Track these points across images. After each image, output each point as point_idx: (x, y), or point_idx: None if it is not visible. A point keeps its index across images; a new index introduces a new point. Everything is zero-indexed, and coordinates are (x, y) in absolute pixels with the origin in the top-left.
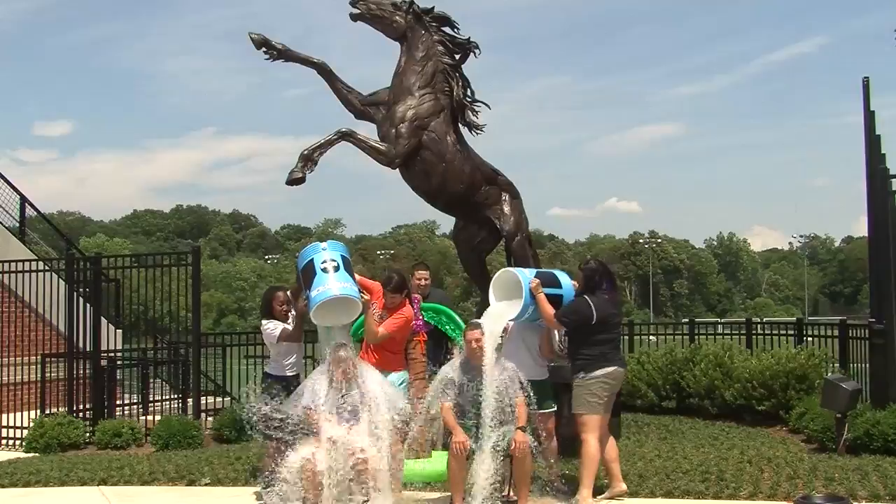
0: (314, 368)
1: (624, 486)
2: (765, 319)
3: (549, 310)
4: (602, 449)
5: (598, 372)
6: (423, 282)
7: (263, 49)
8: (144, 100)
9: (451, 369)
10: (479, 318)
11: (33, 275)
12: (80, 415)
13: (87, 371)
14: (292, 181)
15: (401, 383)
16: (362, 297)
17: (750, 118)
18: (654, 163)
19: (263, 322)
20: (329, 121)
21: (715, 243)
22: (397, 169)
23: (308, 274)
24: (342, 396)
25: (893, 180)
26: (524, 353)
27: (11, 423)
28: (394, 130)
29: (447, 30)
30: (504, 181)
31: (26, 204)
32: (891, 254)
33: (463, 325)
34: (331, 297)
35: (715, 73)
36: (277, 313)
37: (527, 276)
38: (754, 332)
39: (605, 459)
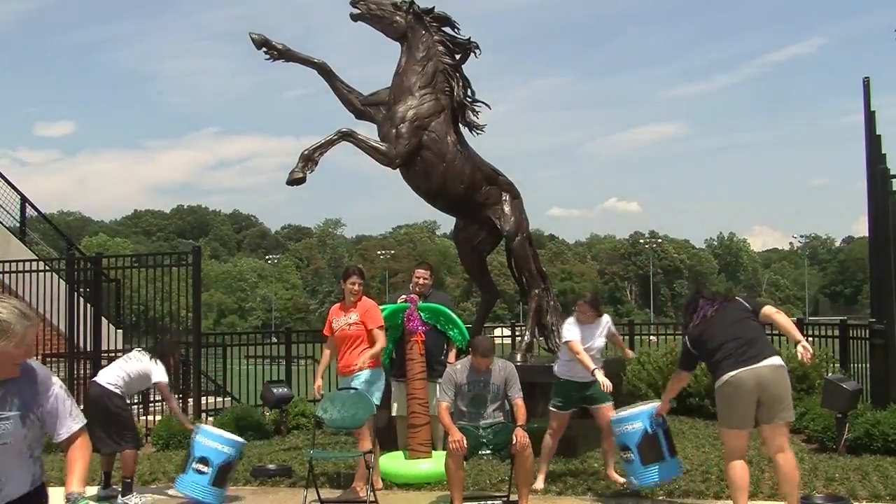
0: (314, 369)
1: None
2: None
3: (673, 388)
4: (782, 464)
5: (718, 383)
6: (421, 280)
7: (264, 49)
8: (145, 100)
9: (453, 371)
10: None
11: (34, 275)
12: None
13: (88, 371)
14: (293, 181)
15: (372, 382)
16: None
17: (750, 118)
18: (654, 163)
19: (157, 363)
20: (329, 121)
21: (715, 243)
22: (397, 169)
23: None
24: None
25: (893, 180)
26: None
27: None
28: (394, 130)
29: (448, 30)
30: (504, 181)
31: (27, 204)
32: (891, 254)
33: (462, 325)
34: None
35: (715, 73)
36: (168, 365)
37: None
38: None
39: (780, 480)
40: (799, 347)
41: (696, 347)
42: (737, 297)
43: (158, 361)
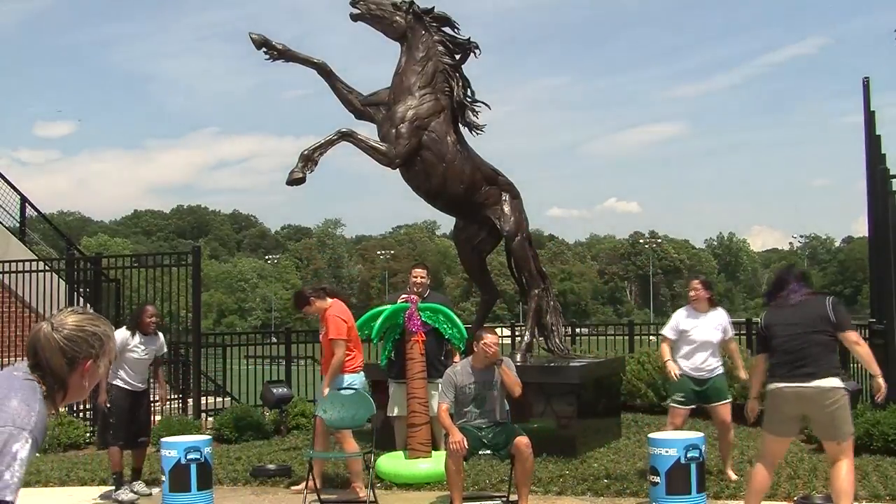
0: (314, 369)
1: None
2: None
3: (756, 379)
4: (832, 476)
5: (767, 387)
6: (419, 280)
7: (264, 49)
8: (145, 100)
9: (453, 373)
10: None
11: (33, 275)
12: (81, 415)
13: None
14: (293, 181)
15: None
16: None
17: (750, 118)
18: (654, 163)
19: (123, 329)
20: (329, 121)
21: (715, 243)
22: (397, 169)
23: None
24: None
25: (893, 180)
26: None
27: None
28: (394, 131)
29: (447, 30)
30: (504, 181)
31: (27, 204)
32: (891, 254)
33: (461, 326)
34: None
35: (715, 73)
36: (146, 326)
37: None
38: (755, 332)
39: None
40: (874, 383)
41: (766, 329)
42: (827, 296)
43: (125, 329)
